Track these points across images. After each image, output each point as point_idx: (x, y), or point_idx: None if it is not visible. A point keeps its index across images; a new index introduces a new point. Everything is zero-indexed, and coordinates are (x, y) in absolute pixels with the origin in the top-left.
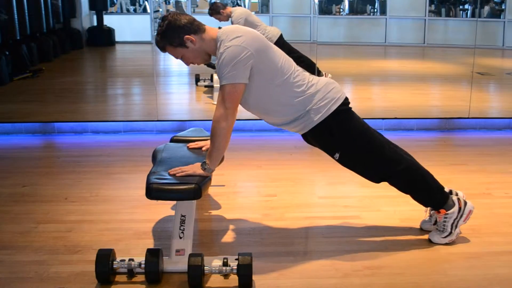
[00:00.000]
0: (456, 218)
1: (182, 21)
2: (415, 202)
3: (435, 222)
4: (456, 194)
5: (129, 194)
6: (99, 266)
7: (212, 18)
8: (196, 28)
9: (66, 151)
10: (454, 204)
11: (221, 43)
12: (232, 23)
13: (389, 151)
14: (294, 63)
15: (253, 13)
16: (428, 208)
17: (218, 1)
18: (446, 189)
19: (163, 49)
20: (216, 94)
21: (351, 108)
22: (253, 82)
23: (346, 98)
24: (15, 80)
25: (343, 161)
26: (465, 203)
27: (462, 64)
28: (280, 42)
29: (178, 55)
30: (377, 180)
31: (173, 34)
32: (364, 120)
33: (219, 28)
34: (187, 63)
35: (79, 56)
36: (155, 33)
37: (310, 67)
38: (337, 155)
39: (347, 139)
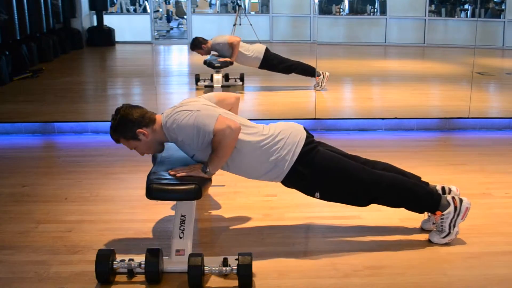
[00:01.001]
0: (453, 217)
1: (134, 116)
2: None
3: (435, 222)
4: (450, 191)
5: (129, 194)
6: (99, 266)
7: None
8: (148, 121)
9: (66, 151)
10: (449, 204)
11: (167, 121)
12: (215, 50)
13: (367, 174)
14: (247, 121)
15: (253, 13)
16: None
17: (199, 36)
18: (438, 187)
19: (117, 141)
20: (211, 132)
21: (315, 143)
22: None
23: (308, 137)
24: (15, 80)
25: (325, 198)
26: (461, 201)
27: (462, 64)
28: (268, 57)
29: (132, 147)
30: (365, 204)
31: (125, 128)
32: (364, 120)
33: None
34: (141, 154)
35: (79, 56)
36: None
37: (305, 71)
38: (317, 195)
39: (321, 177)
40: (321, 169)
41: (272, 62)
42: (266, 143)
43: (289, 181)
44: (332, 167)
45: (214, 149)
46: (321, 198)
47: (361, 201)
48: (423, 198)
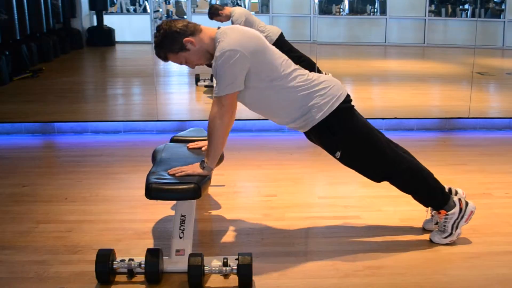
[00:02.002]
0: (457, 219)
1: (177, 26)
2: (415, 202)
3: (437, 222)
4: (456, 193)
5: (129, 194)
6: (99, 266)
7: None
8: (193, 30)
9: (66, 151)
10: (455, 205)
11: (218, 43)
12: (232, 23)
13: (391, 151)
14: (292, 62)
15: (253, 13)
16: (429, 208)
17: (216, 3)
18: (446, 188)
19: (165, 59)
20: (214, 92)
21: (353, 106)
22: (252, 83)
23: (348, 96)
24: (15, 80)
25: (344, 160)
26: (467, 204)
27: (462, 64)
28: (281, 41)
29: (182, 60)
30: (378, 180)
31: (171, 40)
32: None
33: (218, 28)
34: (192, 66)
35: (79, 56)
36: (154, 44)
37: (310, 66)
38: (338, 154)
39: (349, 138)
40: (352, 129)
41: (283, 48)
42: (307, 87)
43: (315, 133)
44: (363, 131)
45: (207, 137)
46: (340, 158)
47: (377, 175)
48: (434, 191)
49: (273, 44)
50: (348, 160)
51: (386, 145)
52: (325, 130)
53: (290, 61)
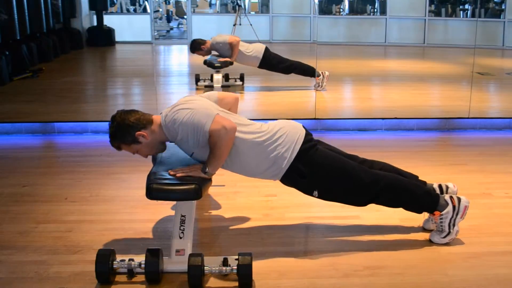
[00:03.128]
0: (452, 216)
1: (130, 119)
2: None
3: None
4: (447, 188)
5: (129, 194)
6: (99, 266)
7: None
8: (145, 123)
9: (66, 151)
10: (447, 204)
11: (167, 120)
12: (215, 49)
13: (365, 174)
14: (246, 120)
15: (253, 13)
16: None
17: (197, 38)
18: (435, 185)
19: (119, 148)
20: (206, 129)
21: (314, 142)
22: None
23: (307, 135)
24: (15, 80)
25: (323, 197)
26: (459, 200)
27: (462, 64)
28: (267, 57)
29: (134, 151)
30: (363, 204)
31: (124, 133)
32: (364, 120)
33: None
34: (144, 156)
35: (79, 56)
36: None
37: (305, 71)
38: (315, 193)
39: (320, 176)
40: (320, 168)
41: (272, 62)
42: (265, 140)
43: (287, 179)
44: (331, 165)
45: (211, 150)
46: (319, 197)
47: (360, 201)
48: (421, 198)
49: (261, 61)
50: (327, 196)
51: (358, 169)
52: (295, 176)
53: (243, 119)
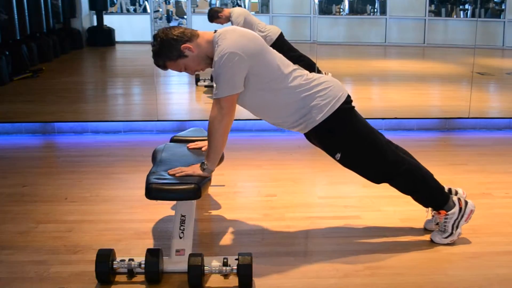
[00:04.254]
0: (457, 218)
1: (174, 33)
2: (415, 202)
3: (438, 223)
4: (456, 193)
5: (129, 194)
6: (99, 266)
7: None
8: (190, 36)
9: (66, 151)
10: (454, 205)
11: (218, 46)
12: (231, 23)
13: (391, 152)
14: (291, 63)
15: (253, 13)
16: (429, 209)
17: (214, 6)
18: (446, 189)
19: (164, 67)
20: (213, 94)
21: (353, 106)
22: (251, 85)
23: (349, 96)
24: (15, 80)
25: (344, 162)
26: (466, 203)
27: (462, 64)
28: (280, 41)
29: (181, 67)
30: (378, 181)
31: (169, 48)
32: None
33: (215, 31)
34: (192, 73)
35: (79, 56)
36: (152, 53)
37: (310, 66)
38: (338, 155)
39: (349, 140)
40: (352, 131)
41: (283, 48)
42: (307, 89)
43: (315, 134)
44: (363, 132)
45: (207, 141)
46: (340, 160)
47: (377, 176)
48: (434, 192)
49: (273, 44)
50: (348, 162)
51: (386, 146)
52: (325, 132)
53: (288, 61)
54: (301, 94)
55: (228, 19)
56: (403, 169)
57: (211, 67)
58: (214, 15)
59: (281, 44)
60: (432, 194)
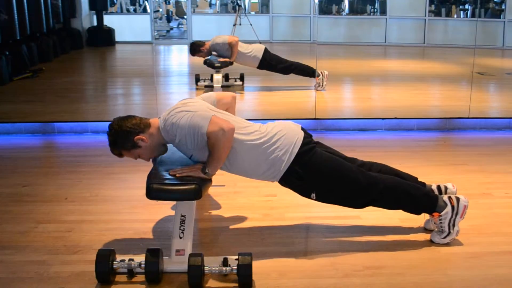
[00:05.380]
0: (452, 217)
1: (127, 125)
2: None
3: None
4: (446, 189)
5: (129, 194)
6: (99, 266)
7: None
8: (143, 127)
9: (66, 151)
10: (446, 204)
11: (165, 123)
12: (215, 50)
13: (363, 176)
14: (245, 121)
15: (253, 13)
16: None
17: (196, 40)
18: (434, 186)
19: (120, 155)
20: (204, 132)
21: (313, 144)
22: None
23: (305, 137)
24: (15, 80)
25: (321, 199)
26: (458, 200)
27: (462, 64)
28: (267, 57)
29: (135, 156)
30: (361, 207)
31: (123, 139)
32: (364, 120)
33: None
34: (147, 160)
35: (79, 56)
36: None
37: (304, 71)
38: (313, 196)
39: (318, 179)
40: (318, 170)
41: (271, 62)
42: (263, 143)
43: (285, 181)
44: (329, 168)
45: (210, 151)
46: (317, 199)
47: (357, 203)
48: (419, 199)
49: (260, 61)
50: (324, 199)
51: (357, 172)
52: (293, 178)
53: (240, 119)
54: (259, 150)
55: (209, 52)
56: (380, 188)
57: (206, 64)
58: (196, 49)
59: (268, 60)
60: (418, 203)
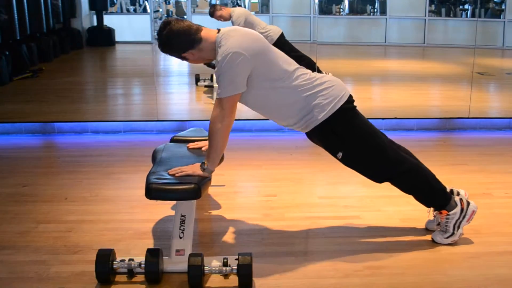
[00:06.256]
0: (459, 219)
1: (177, 39)
2: (415, 202)
3: (439, 223)
4: (458, 194)
5: (129, 194)
6: (99, 266)
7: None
8: (193, 43)
9: (66, 151)
10: (456, 205)
11: (220, 47)
12: (232, 23)
13: (393, 152)
14: (294, 62)
15: (253, 13)
16: (431, 209)
17: (216, 3)
18: (448, 189)
19: (166, 53)
20: (216, 94)
21: (355, 106)
22: (254, 84)
23: (351, 96)
24: (15, 80)
25: (345, 161)
26: (468, 204)
27: (462, 64)
28: (281, 41)
29: (181, 59)
30: (379, 181)
31: (171, 49)
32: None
33: (218, 30)
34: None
35: (79, 56)
36: (156, 34)
37: (310, 66)
38: (340, 154)
39: (351, 139)
40: (354, 130)
41: (284, 48)
42: (310, 88)
43: (317, 133)
44: (365, 132)
45: (208, 142)
46: (342, 159)
47: (378, 176)
48: (436, 192)
49: (274, 44)
50: (349, 161)
51: (388, 146)
52: (327, 131)
53: (291, 60)
54: (303, 93)
55: (229, 17)
56: (405, 168)
57: (206, 64)
58: (216, 9)
59: (282, 45)
60: (433, 194)
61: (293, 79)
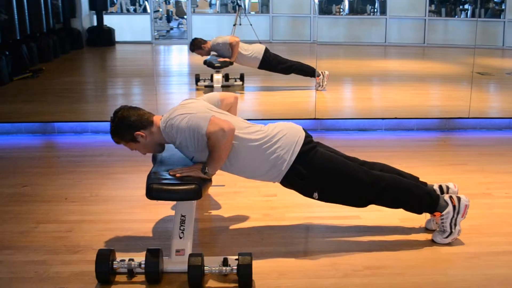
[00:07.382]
0: (453, 216)
1: (131, 119)
2: None
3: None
4: (447, 189)
5: (129, 194)
6: (99, 266)
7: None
8: (145, 124)
9: (66, 151)
10: (447, 204)
11: (165, 125)
12: (215, 50)
13: (365, 174)
14: (244, 120)
15: (253, 13)
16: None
17: (198, 37)
18: (436, 186)
19: (118, 143)
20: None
21: (314, 144)
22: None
23: (307, 136)
24: (15, 80)
25: (323, 199)
26: (459, 199)
27: (462, 64)
28: (267, 57)
29: (132, 148)
30: (363, 205)
31: (123, 131)
32: (364, 120)
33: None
34: (143, 154)
35: (79, 56)
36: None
37: (305, 72)
38: (315, 195)
39: (320, 178)
40: (320, 169)
41: (271, 63)
42: (265, 143)
43: (287, 182)
44: (331, 167)
45: (210, 151)
46: (319, 199)
47: (360, 202)
48: (421, 199)
49: (260, 62)
50: (327, 198)
51: (359, 170)
52: (295, 178)
53: (240, 119)
54: (260, 150)
55: (209, 52)
56: (382, 186)
57: (206, 64)
58: (197, 45)
59: (268, 60)
60: (419, 202)
61: (251, 137)
